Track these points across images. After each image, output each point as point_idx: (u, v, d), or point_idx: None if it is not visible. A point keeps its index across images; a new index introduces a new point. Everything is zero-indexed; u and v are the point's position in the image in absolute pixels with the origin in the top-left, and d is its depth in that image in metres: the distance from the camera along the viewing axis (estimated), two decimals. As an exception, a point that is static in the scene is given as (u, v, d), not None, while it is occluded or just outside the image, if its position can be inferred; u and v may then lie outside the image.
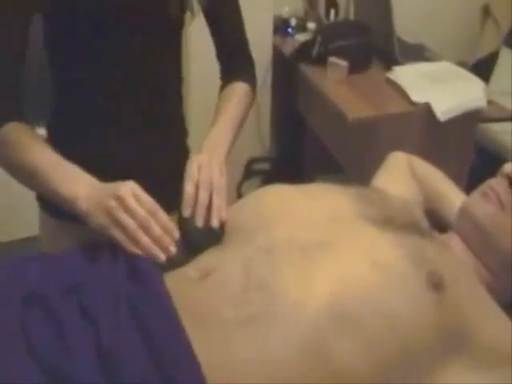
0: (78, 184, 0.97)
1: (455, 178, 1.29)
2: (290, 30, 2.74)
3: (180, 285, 0.87)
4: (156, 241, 0.90)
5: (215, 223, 0.96)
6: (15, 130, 1.05)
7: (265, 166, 3.01)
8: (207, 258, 0.92)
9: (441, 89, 2.13)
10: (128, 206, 0.90)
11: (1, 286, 0.88)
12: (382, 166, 1.34)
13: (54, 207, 1.03)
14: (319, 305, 0.79)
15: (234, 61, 1.33)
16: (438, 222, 1.17)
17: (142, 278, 0.86)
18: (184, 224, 0.96)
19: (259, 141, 3.00)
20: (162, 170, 1.23)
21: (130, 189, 0.92)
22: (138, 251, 0.89)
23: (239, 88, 1.29)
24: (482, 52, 2.99)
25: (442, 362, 0.82)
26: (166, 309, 0.81)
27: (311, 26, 2.71)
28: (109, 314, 0.80)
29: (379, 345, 0.78)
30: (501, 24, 2.97)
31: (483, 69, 2.77)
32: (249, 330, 0.78)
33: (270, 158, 2.96)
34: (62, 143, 1.13)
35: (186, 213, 0.97)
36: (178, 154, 1.29)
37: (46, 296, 0.85)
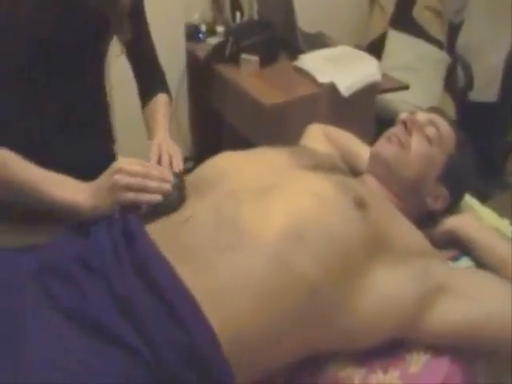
0: (72, 189, 1.10)
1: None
2: (200, 35, 2.86)
3: (167, 229, 1.03)
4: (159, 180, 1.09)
5: (177, 169, 1.20)
6: None
7: (188, 164, 3.13)
8: (185, 208, 1.08)
9: (342, 69, 2.33)
10: (130, 171, 1.07)
11: (12, 265, 1.00)
12: (303, 136, 1.55)
13: None
14: (277, 232, 0.97)
15: (152, 77, 1.48)
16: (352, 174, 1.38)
17: (131, 233, 1.00)
18: None
19: (180, 142, 3.06)
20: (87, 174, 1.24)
21: (125, 160, 1.09)
22: (150, 196, 1.07)
23: (161, 99, 1.47)
24: (373, 34, 3.22)
25: (370, 263, 1.01)
26: (155, 253, 0.96)
27: (220, 29, 2.86)
28: (113, 267, 0.95)
29: (326, 255, 0.97)
30: (386, 9, 3.20)
31: (375, 48, 2.99)
32: (227, 255, 0.95)
33: (192, 156, 3.02)
34: None
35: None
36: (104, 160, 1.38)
37: (57, 266, 0.98)
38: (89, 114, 1.33)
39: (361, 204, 1.06)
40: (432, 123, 1.25)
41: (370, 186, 1.25)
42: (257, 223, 0.98)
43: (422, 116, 1.26)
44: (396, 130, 1.26)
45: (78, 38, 1.19)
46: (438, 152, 1.24)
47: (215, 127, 2.99)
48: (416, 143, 1.23)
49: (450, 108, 3.05)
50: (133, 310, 0.90)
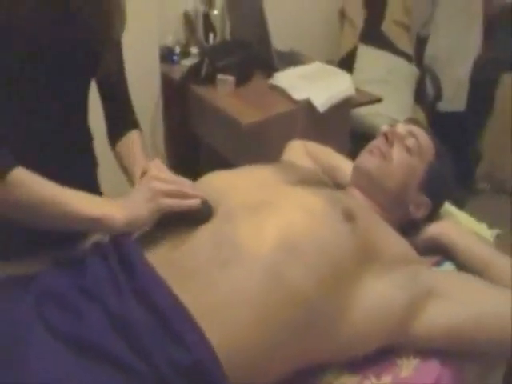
0: (99, 204, 1.06)
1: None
2: (175, 57, 2.85)
3: (165, 252, 1.04)
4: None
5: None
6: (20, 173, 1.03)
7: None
8: (182, 230, 1.08)
9: (316, 85, 2.35)
10: (165, 179, 1.09)
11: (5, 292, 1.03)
12: (284, 152, 1.59)
13: None
14: (271, 245, 1.00)
15: (124, 116, 1.40)
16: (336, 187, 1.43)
17: (129, 259, 1.01)
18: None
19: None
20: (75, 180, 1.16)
21: (156, 168, 1.12)
22: (192, 201, 1.06)
23: (135, 135, 1.38)
24: (344, 50, 3.25)
25: (361, 273, 1.05)
26: (155, 277, 0.97)
27: (194, 50, 2.87)
28: (110, 291, 0.96)
29: (318, 267, 1.00)
30: (355, 24, 3.25)
31: (347, 63, 3.04)
32: (226, 271, 0.97)
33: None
34: None
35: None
36: (87, 182, 1.32)
37: (54, 292, 0.99)
38: (87, 116, 1.32)
39: (349, 216, 1.09)
40: (412, 134, 1.29)
41: (355, 199, 1.28)
42: (252, 239, 1.01)
43: (401, 128, 1.30)
44: (377, 143, 1.30)
45: (78, 38, 1.18)
46: (418, 161, 1.28)
47: (192, 149, 2.98)
48: (397, 154, 1.27)
49: (421, 119, 3.10)
50: (129, 328, 0.91)
